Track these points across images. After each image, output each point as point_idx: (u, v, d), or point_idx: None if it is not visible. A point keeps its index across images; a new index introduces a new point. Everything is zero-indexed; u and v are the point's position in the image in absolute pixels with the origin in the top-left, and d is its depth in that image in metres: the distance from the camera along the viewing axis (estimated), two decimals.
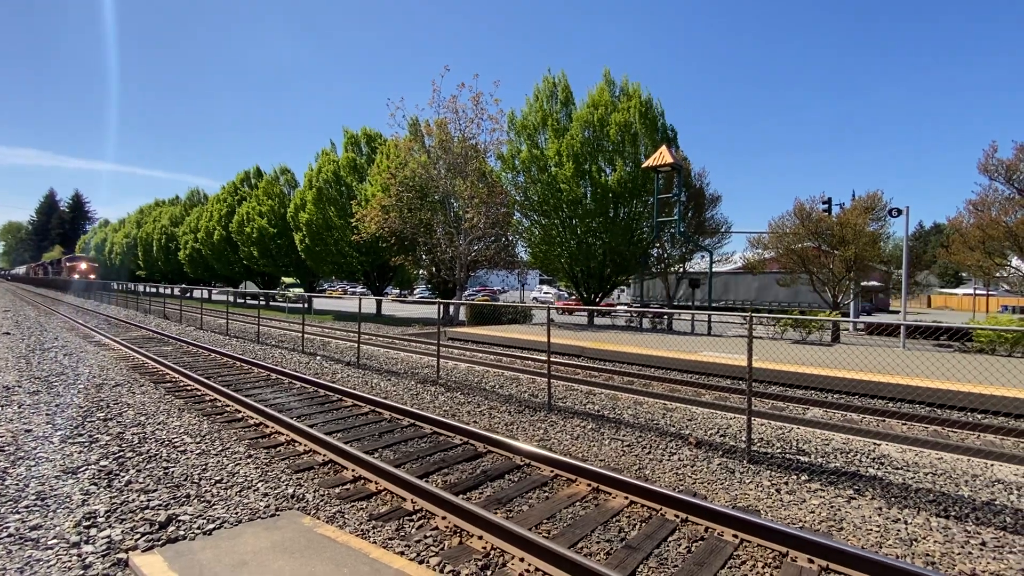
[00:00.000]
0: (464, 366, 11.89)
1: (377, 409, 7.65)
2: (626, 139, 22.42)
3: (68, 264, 65.46)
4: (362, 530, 4.03)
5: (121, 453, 5.48)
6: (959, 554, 3.84)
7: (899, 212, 19.43)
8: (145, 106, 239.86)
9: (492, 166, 23.56)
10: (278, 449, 5.94)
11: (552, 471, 5.28)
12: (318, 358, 12.86)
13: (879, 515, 4.46)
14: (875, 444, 6.36)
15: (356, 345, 12.96)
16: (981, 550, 3.91)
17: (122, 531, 3.83)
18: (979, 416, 7.64)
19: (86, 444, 5.73)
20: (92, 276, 57.76)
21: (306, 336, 15.65)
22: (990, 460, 5.84)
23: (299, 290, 34.46)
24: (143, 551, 3.57)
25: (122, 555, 3.52)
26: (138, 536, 3.76)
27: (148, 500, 4.37)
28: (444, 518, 4.20)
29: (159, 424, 6.62)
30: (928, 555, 3.82)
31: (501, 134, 22.28)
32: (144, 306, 28.49)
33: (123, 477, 4.85)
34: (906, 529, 4.21)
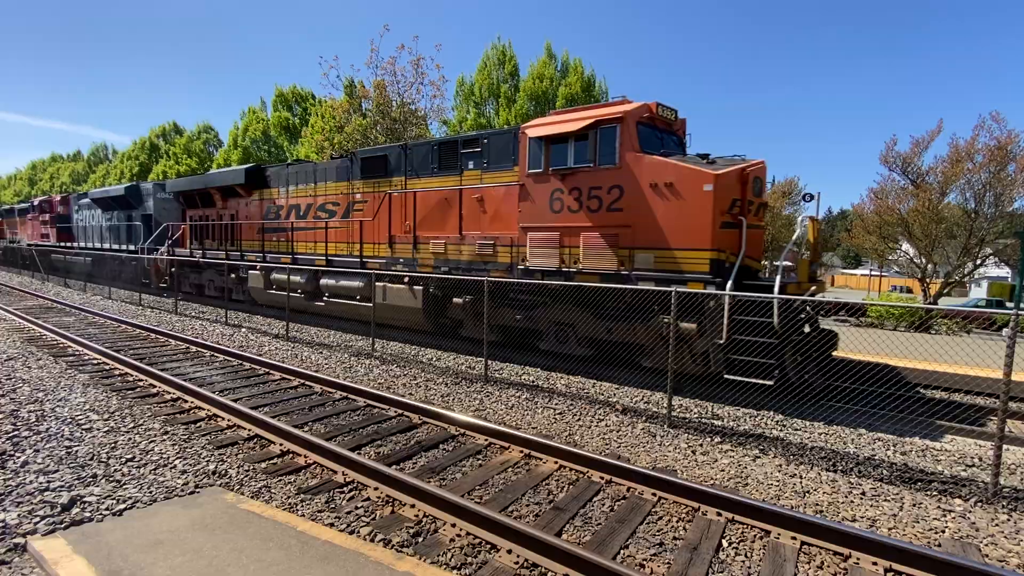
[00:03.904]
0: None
1: (307, 383, 7.42)
2: None
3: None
4: (289, 504, 3.96)
5: (16, 432, 5.00)
6: (843, 503, 4.36)
7: (811, 197, 20.90)
8: (42, 49, 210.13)
9: (434, 134, 22.90)
10: (198, 425, 5.65)
11: (486, 439, 5.40)
12: (243, 330, 12.22)
13: (779, 471, 4.95)
14: None
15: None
16: (861, 499, 4.45)
17: (18, 515, 3.53)
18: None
19: None
20: None
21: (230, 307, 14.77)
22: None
23: None
24: (43, 535, 3.32)
25: (19, 540, 3.26)
26: (37, 519, 3.48)
27: (48, 482, 4.04)
28: (376, 489, 4.20)
29: (60, 400, 6.08)
30: (817, 504, 4.30)
31: (443, 100, 21.62)
32: (41, 274, 25.64)
33: (18, 458, 4.44)
34: (801, 483, 4.71)
